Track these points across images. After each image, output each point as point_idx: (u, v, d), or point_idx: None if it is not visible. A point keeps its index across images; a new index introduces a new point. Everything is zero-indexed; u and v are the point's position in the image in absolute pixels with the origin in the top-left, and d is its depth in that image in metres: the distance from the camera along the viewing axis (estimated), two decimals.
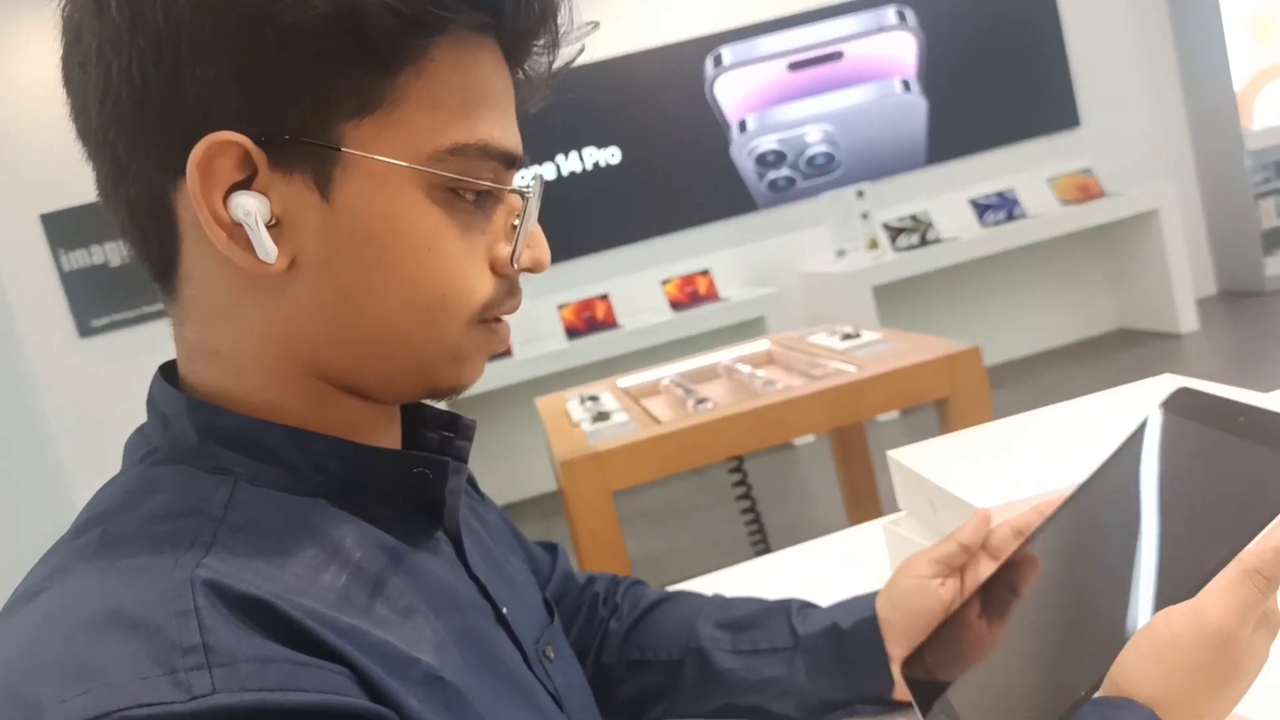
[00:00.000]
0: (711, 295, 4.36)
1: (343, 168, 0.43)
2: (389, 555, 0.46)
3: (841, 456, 2.55)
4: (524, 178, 0.49)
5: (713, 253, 4.62)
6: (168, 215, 0.44)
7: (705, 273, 4.41)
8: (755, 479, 2.35)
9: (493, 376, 3.74)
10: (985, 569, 0.62)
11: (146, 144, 0.43)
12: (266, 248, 0.42)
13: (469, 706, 0.43)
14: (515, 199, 0.49)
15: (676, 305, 4.30)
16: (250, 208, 0.42)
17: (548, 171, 4.40)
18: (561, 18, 0.47)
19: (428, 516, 0.50)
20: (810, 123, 4.71)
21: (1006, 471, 0.75)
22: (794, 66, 4.69)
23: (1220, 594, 0.45)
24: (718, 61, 4.62)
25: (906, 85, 4.78)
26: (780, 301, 4.26)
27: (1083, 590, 0.53)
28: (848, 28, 4.72)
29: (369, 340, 0.46)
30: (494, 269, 0.48)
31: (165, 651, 0.35)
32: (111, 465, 0.47)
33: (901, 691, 0.62)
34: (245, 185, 0.42)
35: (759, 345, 2.50)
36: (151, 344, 3.81)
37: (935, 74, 4.79)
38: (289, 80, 0.41)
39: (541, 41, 0.47)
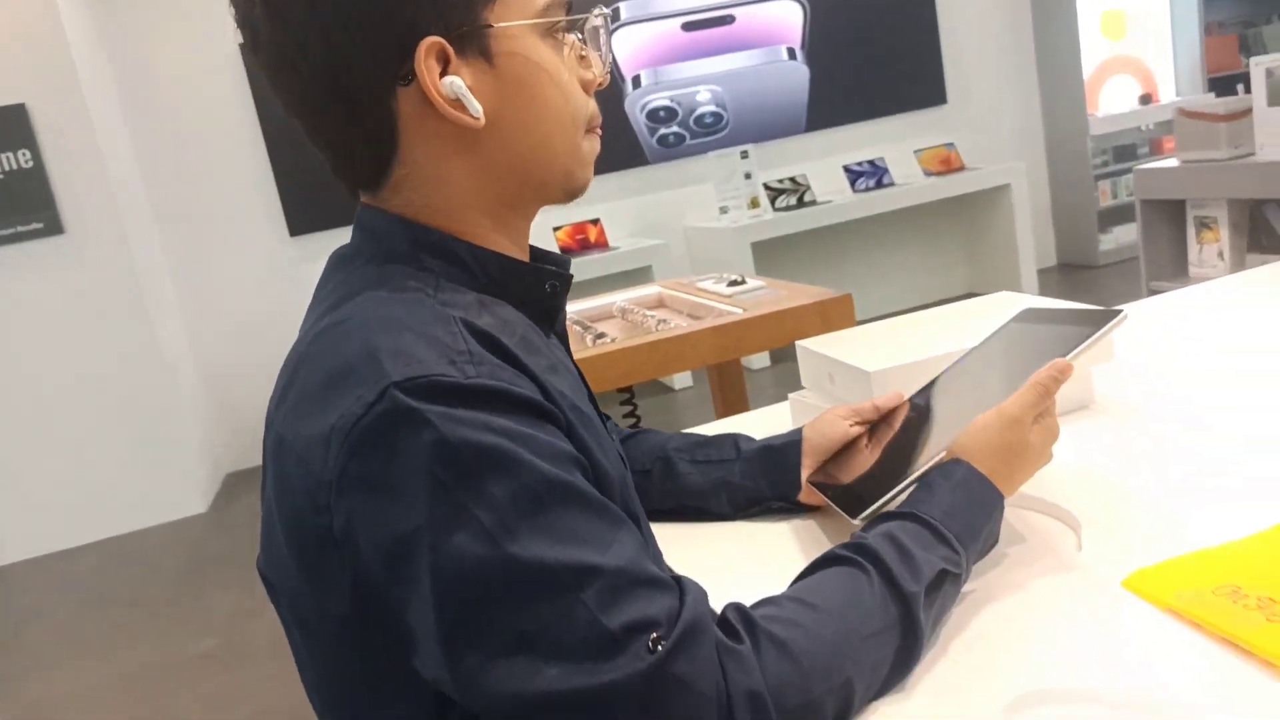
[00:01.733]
0: (602, 243, 4.53)
1: (495, 40, 0.62)
2: (536, 333, 0.65)
3: (720, 396, 2.78)
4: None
5: (604, 202, 4.78)
6: (391, 119, 0.62)
7: (596, 221, 4.58)
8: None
9: None
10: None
11: (375, 68, 0.60)
12: (476, 107, 0.61)
13: (595, 431, 0.63)
14: (569, 39, 0.68)
15: (567, 251, 4.46)
16: (459, 84, 0.61)
17: None
18: None
19: (547, 320, 0.70)
20: (701, 83, 4.91)
21: (887, 349, 1.00)
22: (688, 27, 4.86)
23: (1016, 396, 0.71)
24: (615, 16, 4.75)
25: (792, 53, 5.04)
26: (666, 252, 4.48)
27: (947, 421, 0.77)
28: None
29: (533, 157, 0.66)
30: (584, 89, 0.68)
31: (448, 350, 0.55)
32: None
33: (805, 494, 0.85)
34: (444, 73, 0.61)
35: (650, 290, 2.70)
36: (24, 265, 3.71)
37: (818, 45, 5.06)
38: None
39: None
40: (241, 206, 4.52)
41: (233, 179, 4.49)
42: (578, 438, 0.59)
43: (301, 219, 4.53)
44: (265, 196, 4.53)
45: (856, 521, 0.72)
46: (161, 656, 2.75)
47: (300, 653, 0.64)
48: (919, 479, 0.71)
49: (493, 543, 0.51)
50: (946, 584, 0.63)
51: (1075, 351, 0.72)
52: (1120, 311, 0.75)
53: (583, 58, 0.68)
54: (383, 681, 0.57)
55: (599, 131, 0.71)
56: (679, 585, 0.55)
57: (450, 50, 0.61)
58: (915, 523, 0.65)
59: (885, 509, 0.71)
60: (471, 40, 0.61)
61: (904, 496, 0.71)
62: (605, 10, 0.70)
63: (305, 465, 0.55)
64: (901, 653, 0.59)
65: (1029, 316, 0.85)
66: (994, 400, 0.73)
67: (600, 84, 0.70)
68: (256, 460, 4.72)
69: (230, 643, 2.74)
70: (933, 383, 0.86)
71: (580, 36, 0.68)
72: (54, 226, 3.74)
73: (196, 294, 4.52)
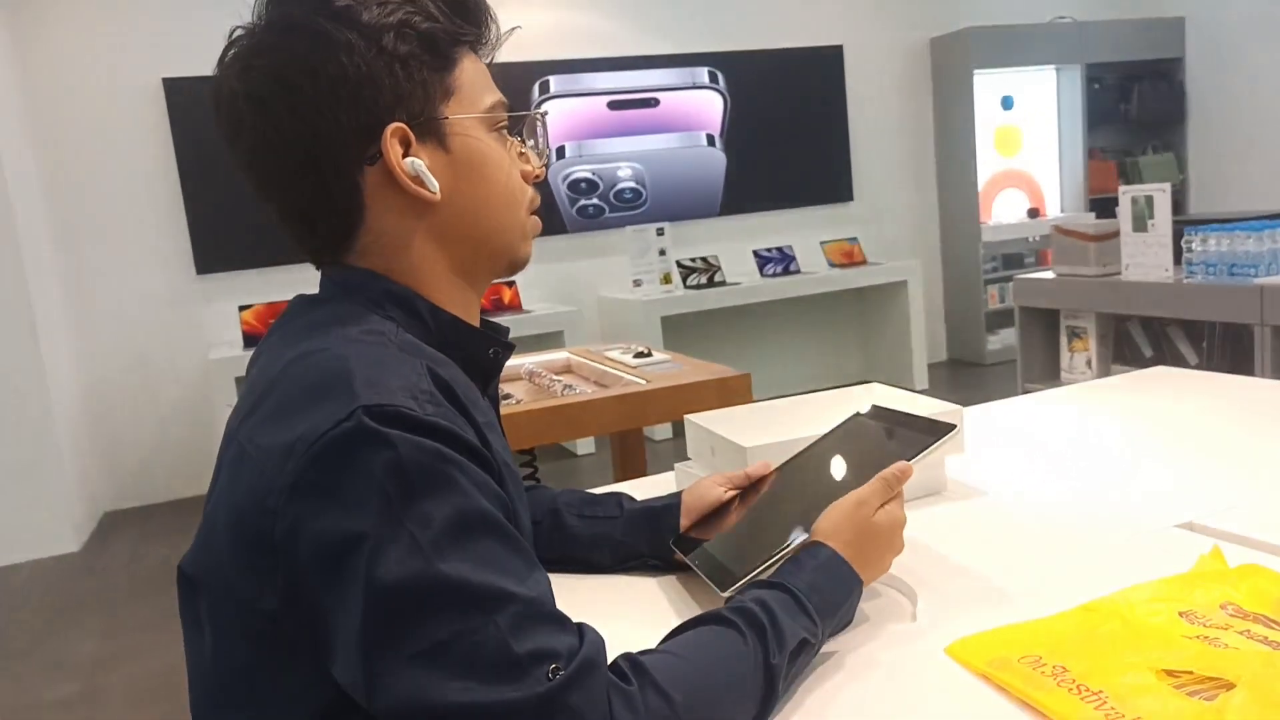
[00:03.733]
0: (516, 306, 4.60)
1: (449, 129, 0.74)
2: (475, 391, 0.73)
3: (620, 462, 2.85)
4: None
5: None
6: (358, 194, 0.73)
7: (511, 284, 4.65)
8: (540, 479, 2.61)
9: None
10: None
11: (346, 148, 0.71)
12: (434, 184, 0.73)
13: (518, 486, 0.69)
14: (511, 139, 0.79)
15: (481, 312, 4.50)
16: (419, 163, 0.72)
17: None
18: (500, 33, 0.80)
19: (483, 381, 0.78)
20: (623, 159, 5.09)
21: (764, 428, 1.11)
22: (613, 105, 5.05)
23: (866, 486, 0.81)
24: (545, 88, 4.90)
25: (711, 140, 5.27)
26: (578, 319, 4.57)
27: (804, 498, 0.86)
28: (665, 79, 5.15)
29: (481, 230, 0.77)
30: (524, 179, 0.80)
31: (412, 388, 0.63)
32: None
33: (678, 555, 0.92)
34: (405, 154, 0.72)
35: (559, 355, 2.77)
36: None
37: (736, 135, 5.31)
38: (416, 85, 0.72)
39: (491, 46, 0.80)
40: (148, 239, 4.43)
41: (142, 212, 4.41)
42: (505, 489, 0.66)
43: (210, 257, 4.47)
44: (175, 232, 4.46)
45: (725, 595, 0.79)
46: (12, 701, 2.61)
47: (202, 654, 0.67)
48: (782, 559, 0.79)
49: (424, 558, 0.56)
50: (804, 653, 0.71)
51: (917, 457, 0.84)
52: (954, 426, 0.87)
53: (522, 154, 0.80)
54: (287, 681, 0.62)
55: (538, 213, 0.81)
56: (580, 629, 0.61)
57: (411, 135, 0.72)
58: (784, 593, 0.73)
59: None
60: (429, 129, 0.73)
61: (769, 572, 0.78)
62: (543, 112, 0.81)
63: (260, 470, 0.61)
64: (760, 714, 0.66)
65: (876, 414, 0.97)
66: (845, 486, 0.82)
67: (537, 176, 0.81)
68: (138, 500, 4.55)
69: (89, 691, 2.62)
70: (794, 458, 0.95)
71: (520, 136, 0.79)
72: None
73: (90, 323, 4.39)
